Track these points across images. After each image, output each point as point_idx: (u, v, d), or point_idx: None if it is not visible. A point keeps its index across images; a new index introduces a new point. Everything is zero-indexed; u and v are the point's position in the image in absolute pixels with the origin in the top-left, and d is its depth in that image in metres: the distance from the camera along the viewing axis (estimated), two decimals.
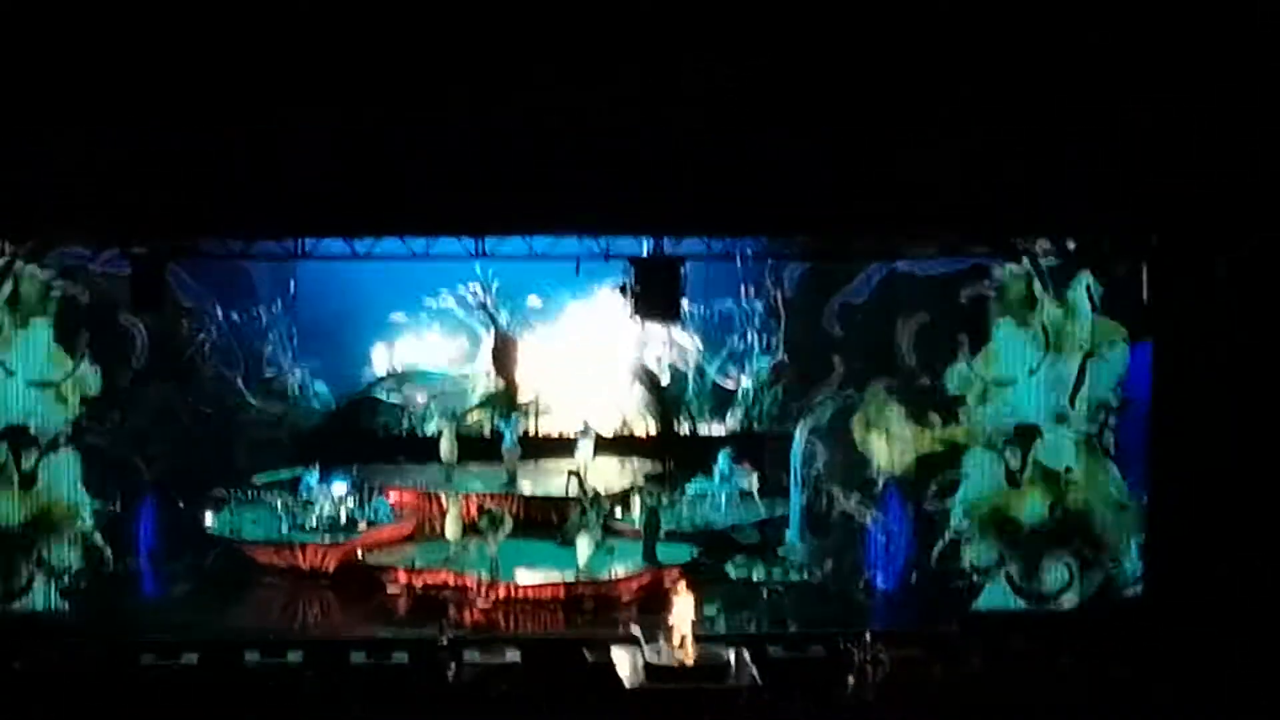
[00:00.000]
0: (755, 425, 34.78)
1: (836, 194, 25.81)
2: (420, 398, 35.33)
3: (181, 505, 30.62)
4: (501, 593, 28.57)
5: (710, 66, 25.49)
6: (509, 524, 29.38)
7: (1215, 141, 26.07)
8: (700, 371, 35.45)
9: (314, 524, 30.75)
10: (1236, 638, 26.09)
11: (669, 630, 25.09)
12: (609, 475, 33.06)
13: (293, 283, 33.86)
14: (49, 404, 27.80)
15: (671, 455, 34.04)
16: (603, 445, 33.59)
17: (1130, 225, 27.07)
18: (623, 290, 27.83)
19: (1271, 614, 26.43)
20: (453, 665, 25.12)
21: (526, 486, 32.44)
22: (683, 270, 27.21)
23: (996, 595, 28.71)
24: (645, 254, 27.52)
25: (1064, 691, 24.91)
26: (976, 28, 25.75)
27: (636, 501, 31.27)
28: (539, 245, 27.37)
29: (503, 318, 35.41)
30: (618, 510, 31.67)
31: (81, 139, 25.04)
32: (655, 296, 27.18)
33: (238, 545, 30.55)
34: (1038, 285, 28.35)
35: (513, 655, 25.81)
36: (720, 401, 35.27)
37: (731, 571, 29.94)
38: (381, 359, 35.77)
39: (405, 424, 35.13)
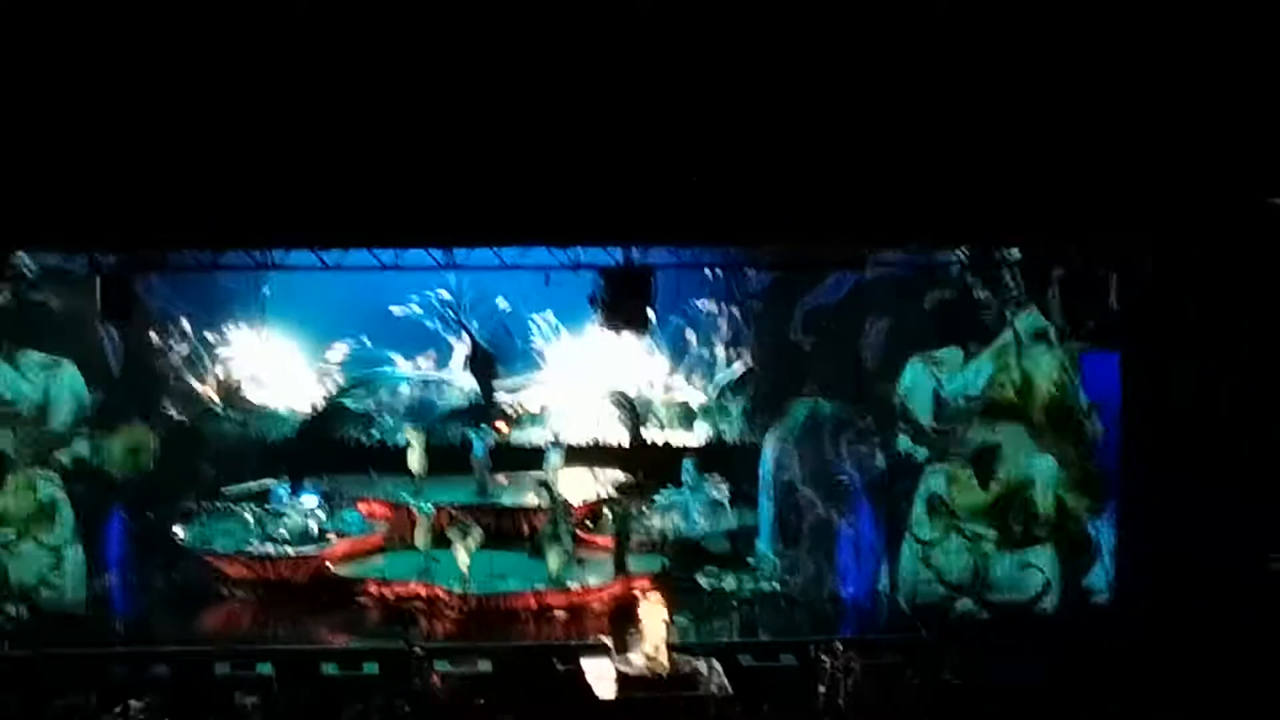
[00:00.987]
0: (725, 435, 34.84)
1: (805, 202, 25.85)
2: (390, 408, 35.28)
3: (150, 517, 30.56)
4: (472, 603, 28.57)
5: (677, 72, 25.56)
6: (479, 535, 29.36)
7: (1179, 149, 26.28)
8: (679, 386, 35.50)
9: (284, 535, 30.67)
10: (1208, 642, 26.29)
11: (640, 640, 25.11)
12: (579, 485, 33.09)
13: (261, 292, 33.78)
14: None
15: (641, 465, 34.01)
16: (573, 455, 33.62)
17: (1097, 234, 27.18)
18: (592, 301, 27.86)
19: (1244, 620, 26.68)
20: (423, 676, 25.08)
21: (497, 497, 32.41)
22: (652, 280, 27.25)
23: (968, 602, 28.83)
24: (614, 264, 27.55)
25: (1035, 698, 25.00)
26: (941, 35, 25.84)
27: (607, 512, 31.31)
28: (508, 256, 27.37)
29: (474, 327, 35.39)
30: (588, 521, 31.70)
31: (44, 147, 24.96)
32: (624, 307, 27.20)
33: (207, 557, 30.47)
34: (1003, 294, 28.54)
35: (484, 666, 25.80)
36: (689, 411, 35.29)
37: (702, 581, 29.96)
38: (351, 369, 35.72)
39: (375, 435, 35.07)
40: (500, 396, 35.34)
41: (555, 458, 32.86)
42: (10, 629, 27.16)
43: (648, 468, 33.86)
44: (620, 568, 29.76)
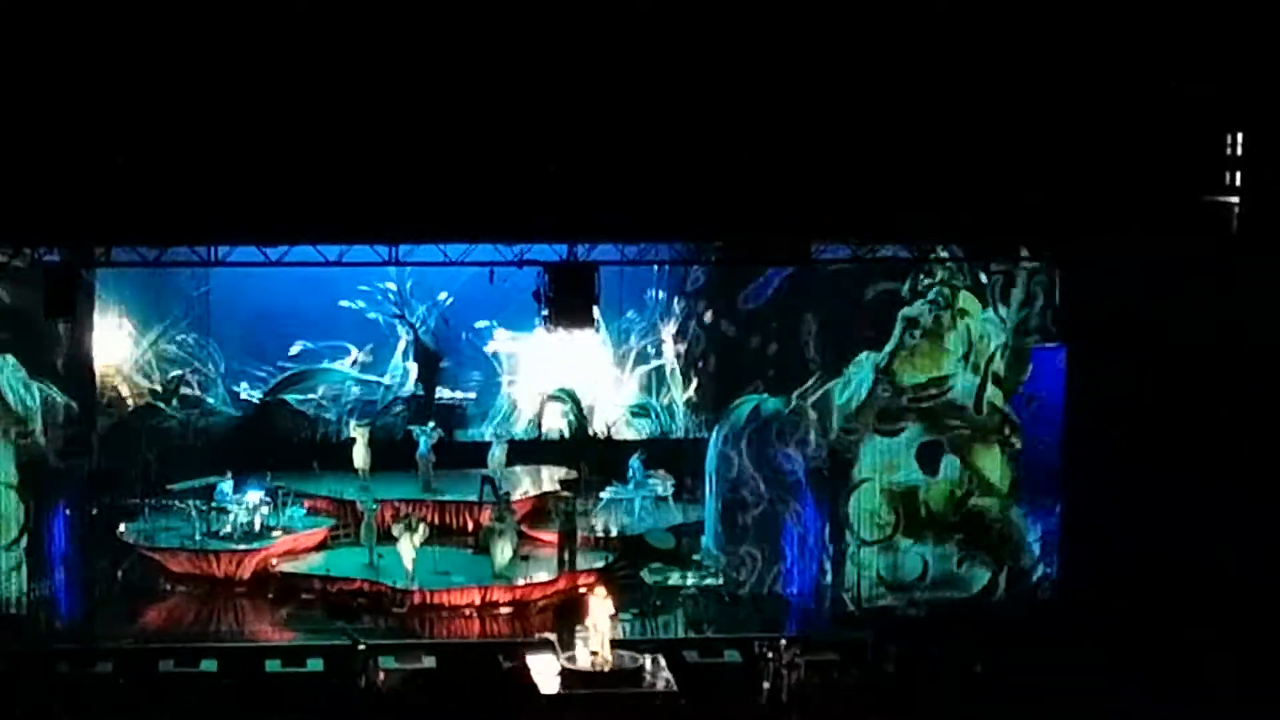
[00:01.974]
0: (670, 431, 34.89)
1: (748, 198, 25.91)
2: (334, 404, 35.15)
3: (95, 512, 30.41)
4: (416, 599, 28.55)
5: (627, 69, 25.63)
6: (424, 530, 29.33)
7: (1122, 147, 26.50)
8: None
9: (228, 531, 30.57)
10: (1151, 634, 26.56)
11: (585, 635, 25.17)
12: (523, 481, 33.11)
13: (205, 287, 33.59)
14: None
15: (586, 461, 34.01)
16: (517, 451, 33.61)
17: (1041, 232, 27.35)
18: (537, 296, 27.83)
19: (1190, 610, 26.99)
20: (367, 672, 25.06)
21: (441, 493, 32.38)
22: (596, 276, 27.24)
23: (911, 597, 29.00)
24: (559, 260, 27.52)
25: (979, 692, 25.15)
26: (887, 36, 25.99)
27: (552, 508, 31.33)
28: (453, 252, 27.34)
29: (417, 323, 35.28)
30: (533, 516, 31.72)
31: None
32: (569, 302, 27.18)
33: (151, 552, 30.33)
34: (947, 289, 28.72)
35: (429, 661, 25.81)
36: (635, 408, 35.29)
37: (647, 577, 29.99)
38: (296, 364, 35.55)
39: (319, 430, 34.93)
40: (443, 392, 35.24)
41: (499, 453, 32.87)
42: None
43: (593, 464, 33.88)
44: (565, 564, 29.77)
